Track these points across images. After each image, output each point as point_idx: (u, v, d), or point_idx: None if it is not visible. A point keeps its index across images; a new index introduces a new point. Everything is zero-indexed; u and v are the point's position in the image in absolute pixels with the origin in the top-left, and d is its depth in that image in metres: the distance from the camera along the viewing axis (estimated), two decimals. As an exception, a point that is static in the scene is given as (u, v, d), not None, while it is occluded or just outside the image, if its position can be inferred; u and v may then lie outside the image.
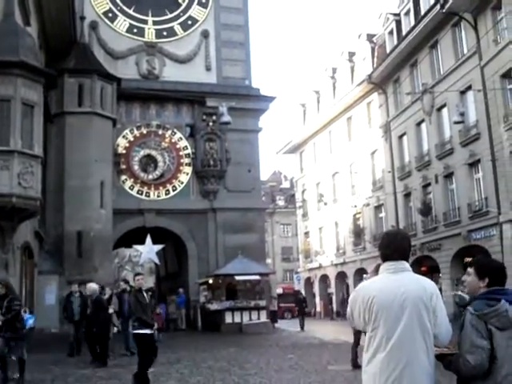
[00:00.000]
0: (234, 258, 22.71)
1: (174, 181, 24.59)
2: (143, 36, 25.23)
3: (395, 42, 28.28)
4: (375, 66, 30.03)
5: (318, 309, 38.23)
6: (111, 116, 21.91)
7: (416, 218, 27.06)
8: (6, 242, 14.13)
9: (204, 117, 25.21)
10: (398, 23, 28.50)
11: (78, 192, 20.23)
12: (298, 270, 43.72)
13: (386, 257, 3.19)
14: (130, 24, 25.18)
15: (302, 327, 23.35)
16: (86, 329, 13.18)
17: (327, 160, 36.56)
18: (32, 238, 18.02)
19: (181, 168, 24.78)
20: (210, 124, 25.16)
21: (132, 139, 24.34)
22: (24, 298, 16.62)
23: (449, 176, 24.65)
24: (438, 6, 22.86)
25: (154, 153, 24.43)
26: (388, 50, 28.78)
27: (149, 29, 25.42)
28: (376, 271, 3.26)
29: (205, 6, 26.42)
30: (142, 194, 24.08)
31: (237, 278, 22.00)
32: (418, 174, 26.71)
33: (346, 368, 10.74)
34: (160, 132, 24.79)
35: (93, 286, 13.02)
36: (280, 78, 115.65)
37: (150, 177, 24.21)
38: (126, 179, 23.96)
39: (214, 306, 22.10)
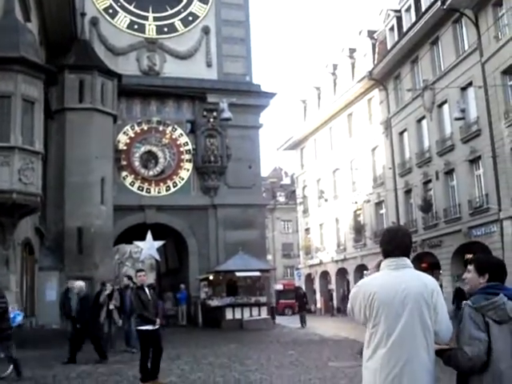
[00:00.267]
0: (234, 255, 22.73)
1: (174, 177, 24.61)
2: (144, 32, 25.21)
3: (396, 38, 28.26)
4: (376, 62, 29.98)
5: (319, 305, 38.28)
6: (112, 112, 21.92)
7: (417, 214, 27.04)
8: (6, 238, 14.16)
9: (205, 113, 25.22)
10: (399, 19, 28.46)
11: (78, 188, 20.25)
12: (299, 266, 43.73)
13: (387, 253, 3.20)
14: (131, 20, 25.16)
15: (303, 324, 23.20)
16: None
17: (328, 156, 36.53)
18: (32, 234, 18.05)
19: (181, 164, 24.79)
20: (211, 120, 25.16)
21: (133, 135, 24.35)
22: (25, 294, 16.67)
23: (449, 172, 24.64)
24: (439, 3, 22.83)
25: (154, 149, 24.44)
26: (389, 47, 28.72)
27: (149, 25, 25.40)
28: (378, 267, 3.27)
29: (205, 1, 26.41)
30: (142, 191, 24.10)
31: (237, 274, 22.02)
32: (419, 171, 26.69)
33: (347, 364, 10.76)
34: (161, 128, 24.79)
35: (80, 284, 12.96)
36: (281, 74, 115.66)
37: (151, 173, 24.22)
38: (126, 175, 23.98)
39: (214, 302, 22.14)
